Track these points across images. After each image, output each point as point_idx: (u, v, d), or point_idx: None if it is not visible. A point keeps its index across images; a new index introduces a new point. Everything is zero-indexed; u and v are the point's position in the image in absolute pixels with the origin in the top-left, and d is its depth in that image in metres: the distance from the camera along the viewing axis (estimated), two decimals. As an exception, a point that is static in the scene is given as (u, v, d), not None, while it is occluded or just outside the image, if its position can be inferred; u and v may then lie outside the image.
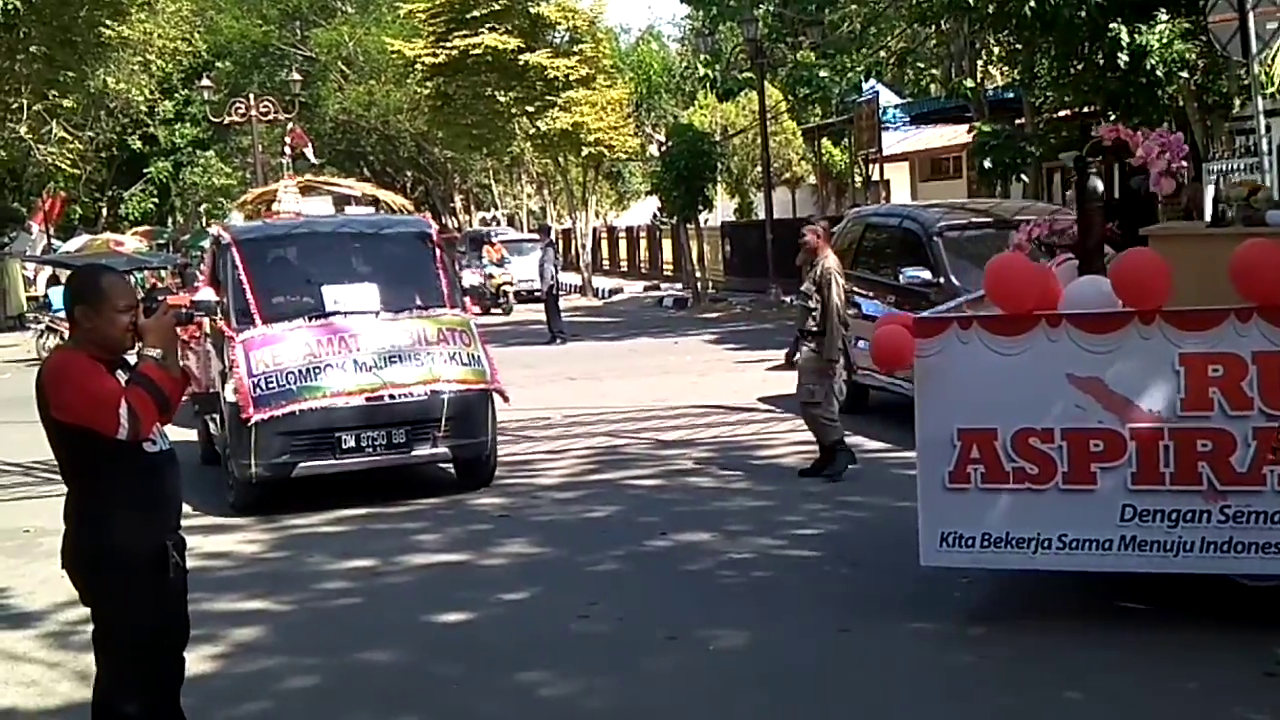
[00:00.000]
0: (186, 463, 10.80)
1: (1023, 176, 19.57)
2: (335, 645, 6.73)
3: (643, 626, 6.76)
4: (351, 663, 6.47)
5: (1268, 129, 11.79)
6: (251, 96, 33.77)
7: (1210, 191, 14.20)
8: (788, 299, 10.33)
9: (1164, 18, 14.43)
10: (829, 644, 6.36)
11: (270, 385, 9.65)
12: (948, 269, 11.67)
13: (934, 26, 24.04)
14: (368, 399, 9.77)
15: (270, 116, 33.24)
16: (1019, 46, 18.24)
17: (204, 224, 37.72)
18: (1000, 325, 6.29)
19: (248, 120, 32.83)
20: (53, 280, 32.37)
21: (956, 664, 5.97)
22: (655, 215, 40.04)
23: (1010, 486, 6.22)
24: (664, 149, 33.09)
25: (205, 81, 36.67)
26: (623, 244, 46.92)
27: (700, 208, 31.12)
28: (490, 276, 32.33)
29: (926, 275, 11.71)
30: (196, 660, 6.56)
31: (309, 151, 30.93)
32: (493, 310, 30.76)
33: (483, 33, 33.76)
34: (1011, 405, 6.21)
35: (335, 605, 7.59)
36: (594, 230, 43.05)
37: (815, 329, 10.08)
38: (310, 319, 10.12)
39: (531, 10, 34.48)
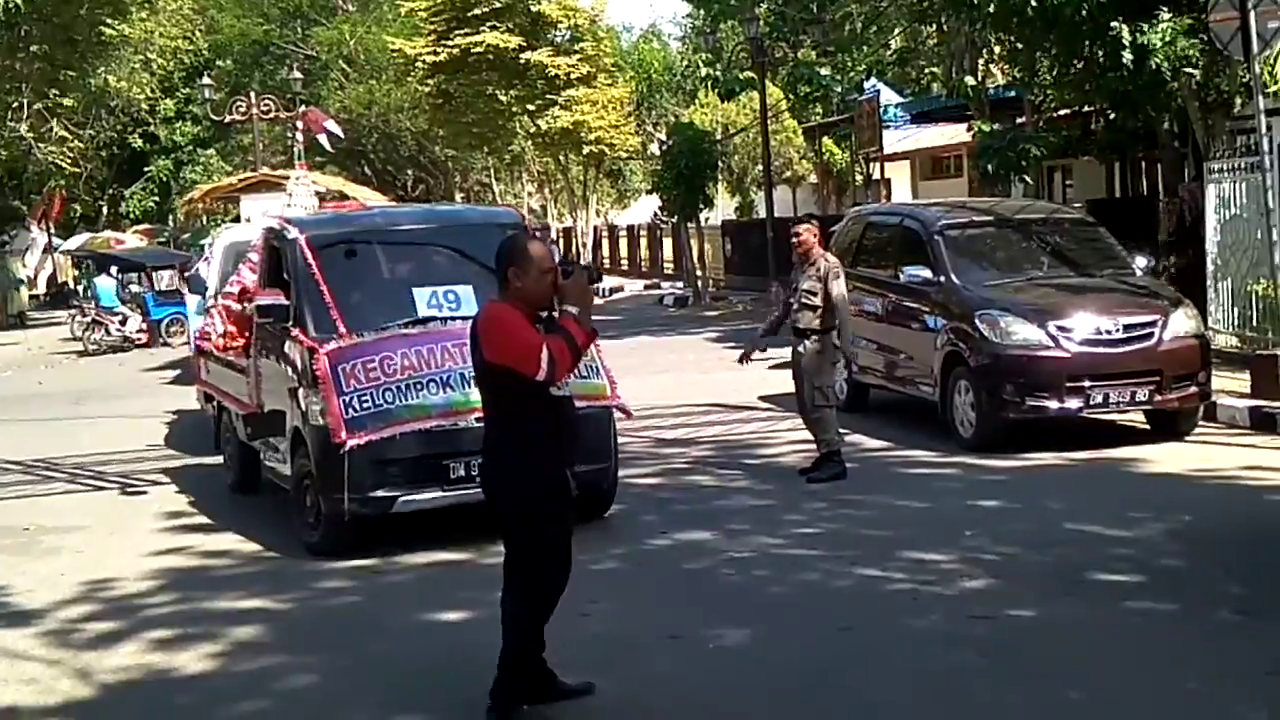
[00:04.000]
0: (214, 489, 10.78)
1: (1025, 177, 19.54)
2: (335, 644, 6.73)
3: (644, 625, 6.76)
4: (352, 662, 6.45)
5: (1269, 128, 11.74)
6: (252, 95, 33.71)
7: (1211, 191, 14.23)
8: (790, 299, 10.12)
9: (1166, 15, 14.40)
10: (830, 643, 6.35)
11: (365, 404, 8.23)
12: (948, 267, 11.67)
13: (935, 25, 24.04)
14: (478, 419, 7.74)
15: (271, 115, 33.21)
16: (1020, 45, 18.20)
17: (204, 222, 37.53)
18: None
19: (249, 119, 32.79)
20: (99, 271, 30.58)
21: (958, 663, 5.96)
22: (656, 214, 40.00)
23: None
24: (665, 147, 33.06)
25: (206, 80, 36.64)
26: (623, 242, 46.89)
27: (701, 206, 31.08)
28: None
29: (927, 274, 11.72)
30: (196, 659, 6.58)
31: (335, 128, 27.82)
32: None
33: (484, 31, 33.81)
34: None
35: (335, 604, 7.58)
36: (594, 229, 43.01)
37: (819, 327, 10.04)
38: (404, 326, 8.68)
39: (533, 9, 34.51)
